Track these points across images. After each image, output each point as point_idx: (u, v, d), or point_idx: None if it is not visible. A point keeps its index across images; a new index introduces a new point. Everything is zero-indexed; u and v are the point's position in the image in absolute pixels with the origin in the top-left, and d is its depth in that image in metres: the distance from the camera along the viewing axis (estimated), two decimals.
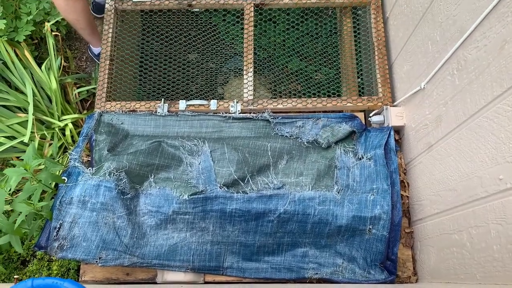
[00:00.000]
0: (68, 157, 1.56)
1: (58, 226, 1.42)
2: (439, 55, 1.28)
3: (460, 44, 1.15)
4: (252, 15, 1.80)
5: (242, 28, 1.81)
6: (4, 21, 1.82)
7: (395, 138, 1.57)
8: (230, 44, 2.03)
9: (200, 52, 2.05)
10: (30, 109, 1.85)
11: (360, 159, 1.54)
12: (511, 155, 0.94)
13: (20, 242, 1.83)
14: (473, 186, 1.10)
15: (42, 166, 1.75)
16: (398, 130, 1.63)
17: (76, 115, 1.96)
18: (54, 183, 1.53)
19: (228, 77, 2.03)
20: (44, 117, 1.94)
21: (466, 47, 1.12)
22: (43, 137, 1.91)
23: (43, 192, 1.79)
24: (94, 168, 1.50)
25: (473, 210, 1.10)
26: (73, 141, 1.94)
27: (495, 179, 1.00)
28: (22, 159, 1.62)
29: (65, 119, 1.95)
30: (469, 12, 1.10)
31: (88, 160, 1.60)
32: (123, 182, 1.44)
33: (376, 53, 1.71)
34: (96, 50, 2.10)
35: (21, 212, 1.33)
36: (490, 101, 1.01)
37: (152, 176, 1.52)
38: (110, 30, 1.78)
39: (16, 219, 1.33)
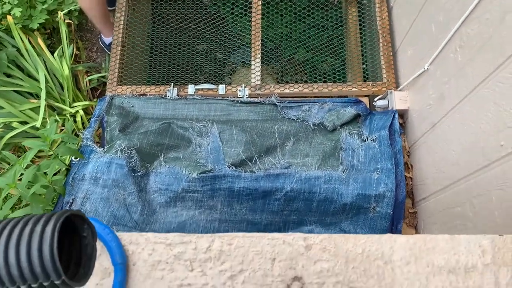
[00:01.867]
0: (80, 139, 1.60)
1: (71, 201, 1.46)
2: (442, 35, 1.32)
3: (462, 21, 1.19)
4: (260, 3, 1.85)
5: (250, 20, 1.86)
6: (20, 9, 1.88)
7: (399, 122, 1.61)
8: (238, 36, 2.08)
9: (208, 42, 2.10)
10: (43, 95, 1.89)
11: (365, 140, 1.58)
12: None
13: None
14: (475, 156, 1.13)
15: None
16: (402, 114, 1.66)
17: (86, 102, 2.01)
18: (68, 161, 1.56)
19: (235, 67, 2.07)
20: (56, 104, 1.98)
21: (468, 24, 1.17)
22: None
23: (58, 172, 1.84)
24: (106, 147, 1.54)
25: (475, 181, 1.14)
26: (84, 127, 1.98)
27: (497, 146, 1.03)
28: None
29: (76, 106, 2.00)
30: None
31: (98, 142, 1.64)
32: (134, 160, 1.48)
33: (380, 41, 1.75)
34: (107, 40, 2.15)
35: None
36: (492, 71, 1.05)
37: (162, 156, 1.56)
38: (122, 18, 1.83)
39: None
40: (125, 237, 0.71)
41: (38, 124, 1.87)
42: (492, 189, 1.06)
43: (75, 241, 0.57)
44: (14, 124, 1.91)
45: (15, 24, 1.92)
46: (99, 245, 0.71)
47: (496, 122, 1.04)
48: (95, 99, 2.16)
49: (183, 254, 0.70)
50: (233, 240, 0.70)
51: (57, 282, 0.49)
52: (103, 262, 0.70)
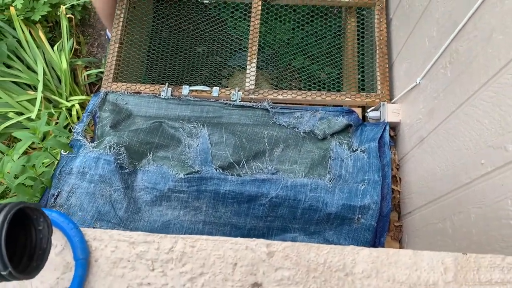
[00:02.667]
0: (72, 132, 1.61)
1: (56, 194, 1.47)
2: (435, 50, 1.32)
3: (453, 37, 1.19)
4: (260, 8, 1.85)
5: (249, 24, 1.87)
6: (22, 0, 1.90)
7: (390, 134, 1.61)
8: (237, 39, 2.09)
9: (207, 44, 2.11)
10: (40, 87, 1.91)
11: (354, 151, 1.57)
12: (492, 139, 0.97)
13: None
14: (458, 173, 1.13)
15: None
16: (394, 127, 1.66)
17: (83, 97, 2.02)
18: (58, 155, 1.57)
19: (232, 71, 2.08)
20: (53, 96, 2.00)
21: (459, 40, 1.16)
22: (50, 116, 1.97)
23: (49, 165, 1.85)
24: (95, 142, 1.55)
25: (457, 198, 1.13)
26: (79, 121, 1.99)
27: (478, 164, 1.03)
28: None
29: (72, 100, 2.01)
30: (463, 5, 1.15)
31: (91, 137, 1.65)
32: (122, 157, 1.49)
33: (377, 52, 1.75)
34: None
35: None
36: (477, 89, 1.05)
37: (151, 154, 1.57)
38: (122, 15, 1.85)
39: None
40: (89, 232, 0.71)
41: (33, 115, 1.89)
42: (471, 207, 1.05)
43: (31, 234, 0.57)
44: (10, 115, 1.93)
45: (17, 15, 1.94)
46: (63, 239, 0.72)
47: (478, 140, 1.04)
48: (92, 94, 2.17)
49: (146, 253, 0.70)
50: (196, 243, 0.70)
51: (3, 273, 0.49)
52: (65, 256, 0.71)
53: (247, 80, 1.74)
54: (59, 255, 0.71)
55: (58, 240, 0.71)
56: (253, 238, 0.71)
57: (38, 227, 0.57)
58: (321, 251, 0.70)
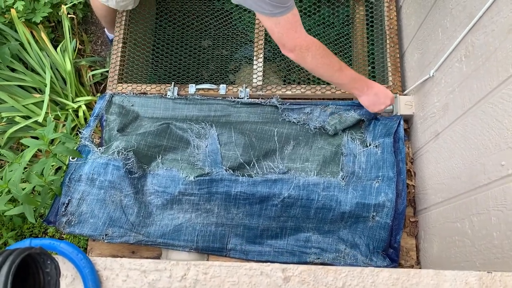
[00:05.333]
0: (79, 137, 1.59)
1: (67, 202, 1.46)
2: (449, 42, 1.27)
3: (468, 30, 1.13)
4: None
5: (255, 16, 1.82)
6: (23, 2, 1.86)
7: (404, 128, 1.56)
8: (243, 32, 2.04)
9: (213, 38, 2.07)
10: (47, 90, 1.89)
11: (367, 146, 1.54)
12: None
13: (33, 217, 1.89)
14: (476, 173, 1.09)
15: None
16: (407, 119, 1.62)
17: (89, 97, 2.00)
18: (67, 159, 1.56)
19: (240, 65, 2.04)
20: (59, 99, 1.98)
21: (474, 33, 1.11)
22: (56, 118, 1.95)
23: (59, 168, 1.84)
24: (103, 147, 1.53)
25: (475, 198, 1.10)
26: (86, 123, 1.97)
27: (497, 165, 0.99)
28: (37, 138, 1.67)
29: (78, 101, 1.99)
30: None
31: (100, 138, 1.63)
32: (130, 162, 1.47)
33: (387, 42, 1.70)
34: (111, 36, 2.13)
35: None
36: (495, 86, 1.00)
37: (160, 157, 1.54)
38: (124, 14, 1.80)
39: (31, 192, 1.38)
40: (99, 262, 0.69)
41: (40, 119, 1.87)
42: (491, 209, 1.02)
43: (39, 276, 0.56)
44: (17, 119, 1.91)
45: (18, 17, 1.91)
46: (73, 269, 0.70)
47: (497, 140, 1.00)
48: (98, 94, 2.15)
49: (158, 281, 0.68)
50: (209, 269, 0.68)
51: None
52: (76, 286, 0.69)
53: (255, 76, 1.70)
54: (70, 285, 0.69)
55: (68, 270, 0.70)
56: (268, 263, 0.69)
57: (45, 270, 0.55)
58: (339, 274, 0.68)
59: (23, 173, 1.43)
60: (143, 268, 0.69)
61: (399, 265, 1.45)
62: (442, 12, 1.33)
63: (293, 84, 1.67)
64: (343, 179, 1.47)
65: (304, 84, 1.67)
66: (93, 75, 2.10)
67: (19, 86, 1.97)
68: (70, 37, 1.99)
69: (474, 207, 1.10)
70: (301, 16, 1.28)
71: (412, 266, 1.46)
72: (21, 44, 1.97)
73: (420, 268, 1.45)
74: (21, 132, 1.94)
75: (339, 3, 1.95)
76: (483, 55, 1.06)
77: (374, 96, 1.45)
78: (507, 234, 0.95)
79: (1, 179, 1.40)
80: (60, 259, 0.68)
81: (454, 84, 1.23)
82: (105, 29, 2.15)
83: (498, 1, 0.99)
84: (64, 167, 1.56)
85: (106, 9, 1.76)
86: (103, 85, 2.15)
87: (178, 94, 1.68)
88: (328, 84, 1.68)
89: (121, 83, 1.72)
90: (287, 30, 1.23)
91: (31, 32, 1.98)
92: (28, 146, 1.51)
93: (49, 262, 0.54)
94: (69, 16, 2.02)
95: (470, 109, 1.13)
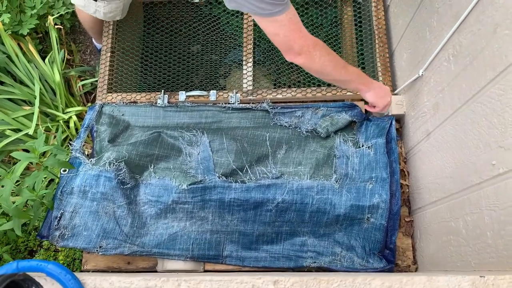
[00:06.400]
0: (70, 149, 1.58)
1: (59, 215, 1.45)
2: (436, 41, 1.27)
3: (455, 29, 1.13)
4: None
5: (243, 19, 1.81)
6: (9, 15, 1.85)
7: (396, 127, 1.56)
8: (232, 36, 2.03)
9: (202, 43, 2.06)
10: (36, 102, 1.87)
11: (360, 147, 1.53)
12: (503, 139, 0.93)
13: (27, 231, 1.87)
14: (468, 172, 1.09)
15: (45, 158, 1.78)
16: (399, 119, 1.61)
17: (80, 108, 1.99)
18: (58, 172, 1.55)
19: (230, 69, 2.03)
20: (49, 110, 1.97)
21: (461, 32, 1.11)
22: (47, 130, 1.94)
23: (52, 181, 1.82)
24: (94, 159, 1.52)
25: (468, 197, 1.09)
26: (77, 133, 1.96)
27: (488, 165, 0.99)
28: (28, 150, 1.66)
29: (69, 112, 1.98)
30: None
31: (91, 148, 1.62)
32: (122, 172, 1.46)
33: (376, 42, 1.69)
34: (99, 45, 2.11)
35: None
36: (484, 85, 1.00)
37: (152, 166, 1.53)
38: (111, 23, 1.79)
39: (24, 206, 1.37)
40: (88, 281, 0.68)
41: (31, 131, 1.86)
42: (484, 208, 1.01)
43: None
44: (7, 132, 1.90)
45: (5, 30, 1.89)
46: None
47: (487, 139, 0.99)
48: (89, 104, 2.14)
49: None
50: (200, 284, 0.67)
51: None
52: None
53: (245, 81, 1.69)
54: None
55: None
56: (259, 275, 0.68)
57: None
58: (331, 284, 0.67)
59: (15, 186, 1.42)
60: (133, 286, 0.68)
61: (396, 266, 1.45)
62: (429, 11, 1.32)
63: (284, 88, 1.67)
64: (336, 181, 1.47)
65: (295, 87, 1.67)
66: (83, 85, 2.09)
67: (8, 99, 1.95)
68: (58, 47, 1.98)
69: (468, 207, 1.09)
70: None
71: (408, 266, 1.46)
72: (9, 57, 1.96)
73: (417, 267, 1.45)
74: (12, 145, 1.93)
75: (327, 4, 1.95)
76: (471, 54, 1.06)
77: (379, 90, 1.45)
78: (501, 233, 0.95)
79: None
80: (48, 281, 0.67)
81: (443, 83, 1.22)
82: (93, 39, 2.14)
83: (483, 0, 0.99)
84: (57, 180, 1.55)
85: (94, 20, 1.74)
86: (93, 94, 2.14)
87: (168, 102, 1.67)
88: (318, 86, 1.68)
89: (111, 92, 1.71)
90: (292, 31, 1.22)
91: (19, 44, 1.97)
92: (19, 160, 1.50)
93: (33, 287, 0.54)
94: (56, 26, 2.01)
95: (459, 108, 1.13)
